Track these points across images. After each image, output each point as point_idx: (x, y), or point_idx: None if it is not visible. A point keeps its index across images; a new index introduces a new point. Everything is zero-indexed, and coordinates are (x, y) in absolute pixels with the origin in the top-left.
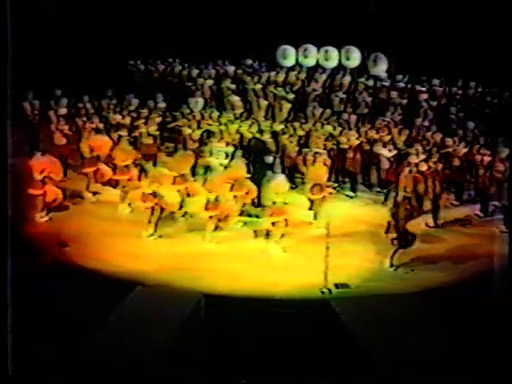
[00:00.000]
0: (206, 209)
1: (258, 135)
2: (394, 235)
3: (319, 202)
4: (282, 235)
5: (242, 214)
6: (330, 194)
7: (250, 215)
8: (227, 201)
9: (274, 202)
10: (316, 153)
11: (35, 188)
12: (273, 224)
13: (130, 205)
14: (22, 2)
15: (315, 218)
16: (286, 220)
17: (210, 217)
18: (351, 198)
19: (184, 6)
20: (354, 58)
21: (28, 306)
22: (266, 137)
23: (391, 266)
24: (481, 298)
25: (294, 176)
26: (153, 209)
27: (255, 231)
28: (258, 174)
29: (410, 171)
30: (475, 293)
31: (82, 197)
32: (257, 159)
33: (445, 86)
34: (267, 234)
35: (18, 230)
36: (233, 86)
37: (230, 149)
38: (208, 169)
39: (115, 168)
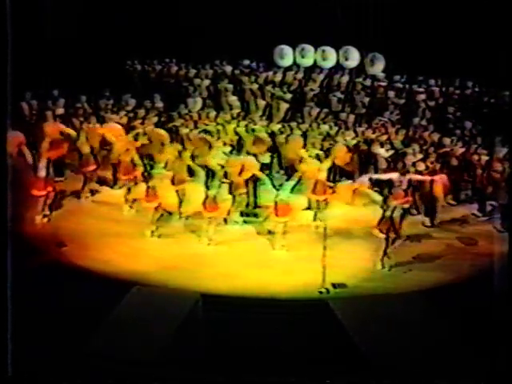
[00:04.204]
0: (204, 208)
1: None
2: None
3: (320, 203)
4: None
5: (241, 214)
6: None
7: (248, 215)
8: (225, 200)
9: (276, 202)
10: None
11: (37, 188)
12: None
13: (133, 201)
14: (21, 3)
15: (314, 217)
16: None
17: (210, 217)
18: None
19: (181, 6)
20: (353, 58)
21: (28, 305)
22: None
23: (383, 267)
24: (478, 298)
25: (292, 176)
26: (155, 209)
27: (255, 231)
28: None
29: (407, 171)
30: (473, 292)
31: (80, 197)
32: None
33: (442, 86)
34: (269, 233)
35: (17, 229)
36: (230, 86)
37: (228, 149)
38: (209, 170)
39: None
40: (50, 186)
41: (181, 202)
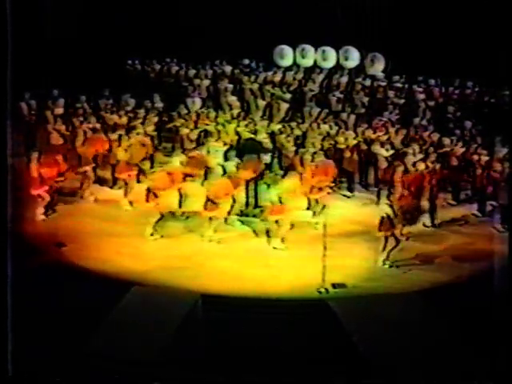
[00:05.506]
0: (205, 209)
1: (252, 135)
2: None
3: (318, 202)
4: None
5: (240, 214)
6: (329, 193)
7: (247, 215)
8: (225, 201)
9: (273, 201)
10: (314, 153)
11: (35, 188)
12: (276, 222)
13: (131, 204)
14: (21, 3)
15: (313, 217)
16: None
17: (210, 218)
18: (348, 197)
19: (181, 6)
20: (353, 58)
21: (28, 305)
22: (263, 136)
23: (384, 263)
24: (478, 298)
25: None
26: (154, 208)
27: (255, 231)
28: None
29: (407, 170)
30: (473, 292)
31: (79, 196)
32: None
33: (442, 86)
34: (267, 233)
35: (17, 229)
36: (230, 86)
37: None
38: (208, 169)
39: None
40: (47, 186)
41: (181, 202)
